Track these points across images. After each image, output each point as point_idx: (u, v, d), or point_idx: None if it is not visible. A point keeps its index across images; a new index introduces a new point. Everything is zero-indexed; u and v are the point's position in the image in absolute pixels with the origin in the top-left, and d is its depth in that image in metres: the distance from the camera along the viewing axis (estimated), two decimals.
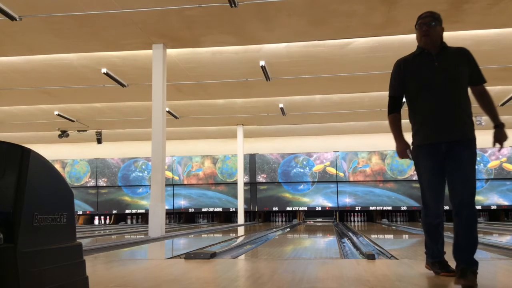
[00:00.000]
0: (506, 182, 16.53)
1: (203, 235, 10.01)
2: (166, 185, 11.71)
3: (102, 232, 12.06)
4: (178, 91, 11.39)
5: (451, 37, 8.24)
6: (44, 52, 9.07)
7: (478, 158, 17.54)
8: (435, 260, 3.16)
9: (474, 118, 2.94)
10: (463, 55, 2.93)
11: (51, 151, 17.66)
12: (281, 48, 9.01)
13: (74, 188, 17.30)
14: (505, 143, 2.89)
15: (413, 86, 2.94)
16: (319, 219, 17.51)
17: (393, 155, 16.89)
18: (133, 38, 8.34)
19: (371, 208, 16.95)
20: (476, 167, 3.12)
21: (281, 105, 12.96)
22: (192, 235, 9.93)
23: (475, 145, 2.82)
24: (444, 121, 2.81)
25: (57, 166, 17.94)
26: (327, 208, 17.15)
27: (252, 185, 17.53)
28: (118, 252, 5.94)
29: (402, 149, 2.98)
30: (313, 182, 17.27)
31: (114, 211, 18.07)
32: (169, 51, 8.91)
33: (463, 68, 2.88)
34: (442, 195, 2.93)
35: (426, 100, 2.88)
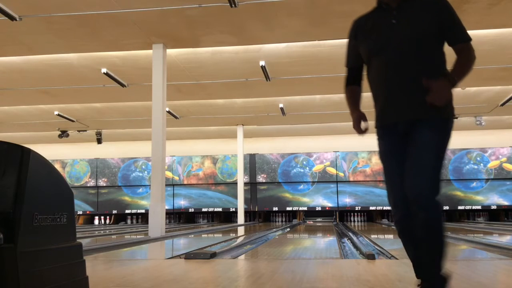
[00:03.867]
0: (506, 182, 16.53)
1: (203, 235, 10.01)
2: (166, 185, 11.70)
3: (102, 232, 12.05)
4: (178, 91, 11.39)
5: None
6: (44, 52, 9.07)
7: (478, 158, 17.38)
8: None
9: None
10: (432, 4, 2.18)
11: (51, 151, 17.65)
12: (281, 48, 9.01)
13: (74, 188, 17.29)
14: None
15: (364, 53, 2.29)
16: (319, 219, 17.50)
17: None
18: (133, 38, 8.34)
19: (371, 208, 16.95)
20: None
21: (281, 105, 12.96)
22: (192, 235, 9.93)
23: (445, 126, 2.14)
24: (399, 96, 2.15)
25: (57, 166, 17.93)
26: (327, 208, 17.15)
27: (252, 185, 17.53)
28: (118, 252, 5.94)
29: (354, 122, 2.30)
30: (313, 182, 17.27)
31: (114, 211, 18.07)
32: (169, 51, 8.91)
33: (429, 24, 2.16)
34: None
35: (377, 70, 2.23)
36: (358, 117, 2.29)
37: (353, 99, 2.38)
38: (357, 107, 2.36)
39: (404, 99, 2.14)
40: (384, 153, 2.25)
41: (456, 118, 13.99)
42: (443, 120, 2.13)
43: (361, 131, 2.27)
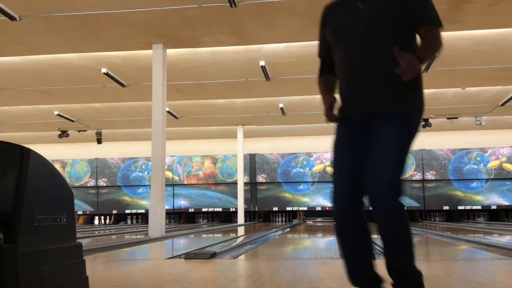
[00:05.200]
0: (506, 182, 16.52)
1: (203, 235, 10.01)
2: (166, 185, 11.69)
3: (102, 232, 12.05)
4: (178, 91, 11.39)
5: (451, 37, 8.25)
6: (44, 52, 9.07)
7: (478, 158, 17.38)
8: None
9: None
10: None
11: (51, 151, 17.65)
12: (281, 48, 9.01)
13: (74, 188, 17.28)
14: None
15: (330, 40, 2.11)
16: (319, 219, 17.49)
17: None
18: (133, 38, 8.34)
19: (371, 208, 16.91)
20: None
21: (281, 105, 12.96)
22: (192, 235, 9.93)
23: (409, 121, 1.94)
24: (360, 88, 1.97)
25: (57, 166, 17.93)
26: (327, 208, 17.14)
27: (252, 185, 17.53)
28: (118, 252, 5.94)
29: (326, 108, 2.07)
30: (313, 182, 17.27)
31: (114, 211, 18.07)
32: (169, 51, 8.91)
33: (398, 8, 1.96)
34: (357, 191, 1.99)
35: (340, 59, 2.05)
36: (330, 104, 2.06)
37: (326, 87, 2.17)
38: (329, 94, 2.12)
39: (366, 92, 1.96)
40: (338, 143, 2.06)
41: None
42: (407, 114, 1.94)
43: (332, 118, 2.06)
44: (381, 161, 1.89)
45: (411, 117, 1.95)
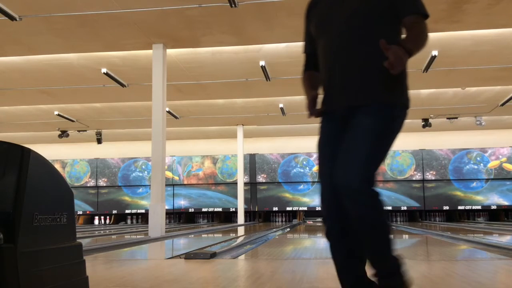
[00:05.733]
0: (506, 182, 16.53)
1: (203, 235, 10.01)
2: (166, 185, 11.70)
3: (102, 232, 12.06)
4: (178, 91, 11.39)
5: (451, 37, 8.25)
6: (44, 52, 9.07)
7: (478, 158, 17.38)
8: None
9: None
10: None
11: (51, 151, 17.65)
12: (281, 48, 9.01)
13: (74, 188, 17.29)
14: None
15: (314, 32, 2.06)
16: (319, 219, 17.48)
17: (393, 155, 16.90)
18: (133, 38, 8.34)
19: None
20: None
21: (281, 105, 12.96)
22: (192, 235, 9.93)
23: (388, 113, 1.85)
24: (340, 80, 1.91)
25: (57, 166, 17.93)
26: None
27: (252, 185, 17.53)
28: (118, 252, 5.94)
29: (308, 103, 1.99)
30: (313, 182, 17.26)
31: (114, 211, 18.07)
32: (169, 51, 8.91)
33: None
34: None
35: (322, 52, 1.99)
36: (312, 98, 1.97)
37: (309, 82, 2.10)
38: (312, 89, 2.05)
39: (347, 84, 1.89)
40: (321, 141, 1.99)
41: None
42: (388, 106, 1.85)
43: (314, 113, 1.97)
44: (354, 152, 1.79)
45: (393, 110, 1.86)
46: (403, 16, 1.87)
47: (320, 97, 2.03)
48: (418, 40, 1.81)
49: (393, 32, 1.91)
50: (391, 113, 1.85)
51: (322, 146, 1.98)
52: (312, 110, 1.97)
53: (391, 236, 1.84)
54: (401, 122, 1.90)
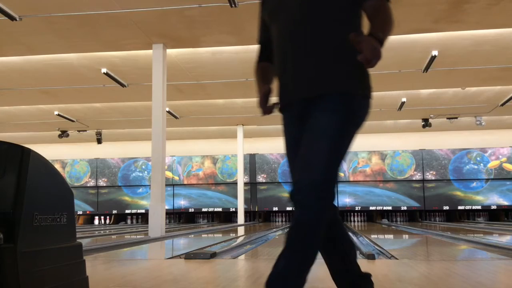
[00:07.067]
0: (506, 182, 16.52)
1: (203, 235, 10.01)
2: (166, 185, 11.70)
3: (102, 232, 12.05)
4: (178, 91, 11.39)
5: (451, 37, 8.25)
6: (44, 52, 9.07)
7: (478, 158, 17.37)
8: None
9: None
10: None
11: (51, 151, 17.65)
12: None
13: (74, 188, 17.29)
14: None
15: (267, 19, 1.90)
16: None
17: (393, 155, 16.91)
18: (133, 38, 8.34)
19: (371, 208, 16.94)
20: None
21: None
22: (192, 235, 9.93)
23: (347, 104, 1.67)
24: (294, 69, 1.72)
25: (57, 166, 17.93)
26: None
27: (252, 185, 17.53)
28: (118, 252, 5.94)
29: (260, 99, 1.80)
30: None
31: (114, 211, 18.07)
32: (169, 51, 8.91)
33: None
34: None
35: (275, 39, 1.82)
36: (264, 94, 1.78)
37: (262, 75, 1.92)
38: (265, 83, 1.85)
39: (301, 73, 1.70)
40: (287, 142, 1.83)
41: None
42: (347, 96, 1.67)
43: (266, 110, 1.79)
44: (312, 151, 1.61)
45: (352, 100, 1.68)
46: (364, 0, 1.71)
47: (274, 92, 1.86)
48: (387, 27, 1.63)
49: (351, 15, 1.74)
50: (351, 103, 1.67)
51: (288, 149, 1.82)
52: (264, 107, 1.79)
53: (311, 261, 1.60)
54: (363, 114, 1.74)
